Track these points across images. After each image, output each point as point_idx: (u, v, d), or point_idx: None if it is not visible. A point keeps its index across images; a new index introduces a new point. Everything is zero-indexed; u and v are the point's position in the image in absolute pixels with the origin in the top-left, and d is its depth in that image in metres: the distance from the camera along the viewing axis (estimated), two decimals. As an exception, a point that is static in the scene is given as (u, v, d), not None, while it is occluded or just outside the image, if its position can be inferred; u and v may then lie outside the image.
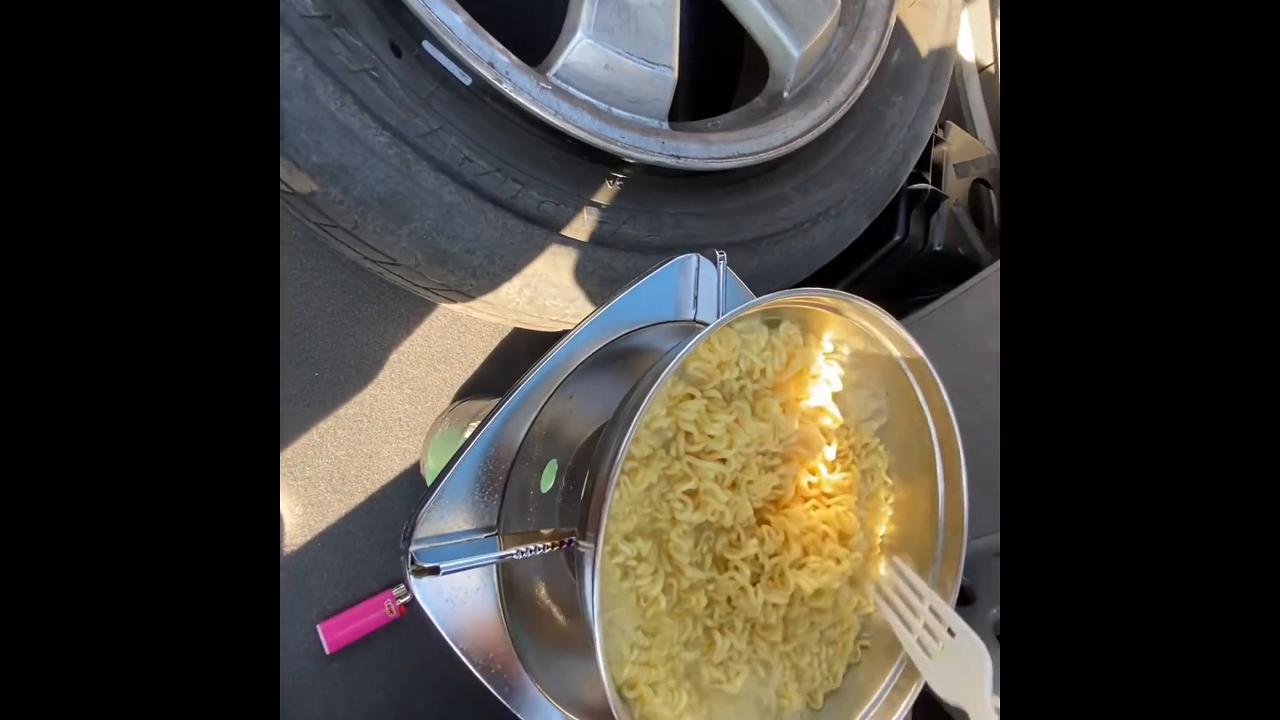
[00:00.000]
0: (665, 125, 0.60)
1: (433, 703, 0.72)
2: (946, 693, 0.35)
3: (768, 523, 0.36)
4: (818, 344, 0.40)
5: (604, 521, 0.28)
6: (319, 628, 0.67)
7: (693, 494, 0.34)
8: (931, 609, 0.36)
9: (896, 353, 0.39)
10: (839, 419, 0.40)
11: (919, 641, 0.36)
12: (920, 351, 0.38)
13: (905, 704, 0.40)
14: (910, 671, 0.40)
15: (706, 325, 0.43)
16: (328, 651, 0.67)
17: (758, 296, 0.47)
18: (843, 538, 0.37)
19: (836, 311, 0.38)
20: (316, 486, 0.69)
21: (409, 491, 0.73)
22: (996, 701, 0.32)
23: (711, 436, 0.34)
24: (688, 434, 0.34)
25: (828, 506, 0.38)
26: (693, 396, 0.35)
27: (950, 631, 0.35)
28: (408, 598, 0.69)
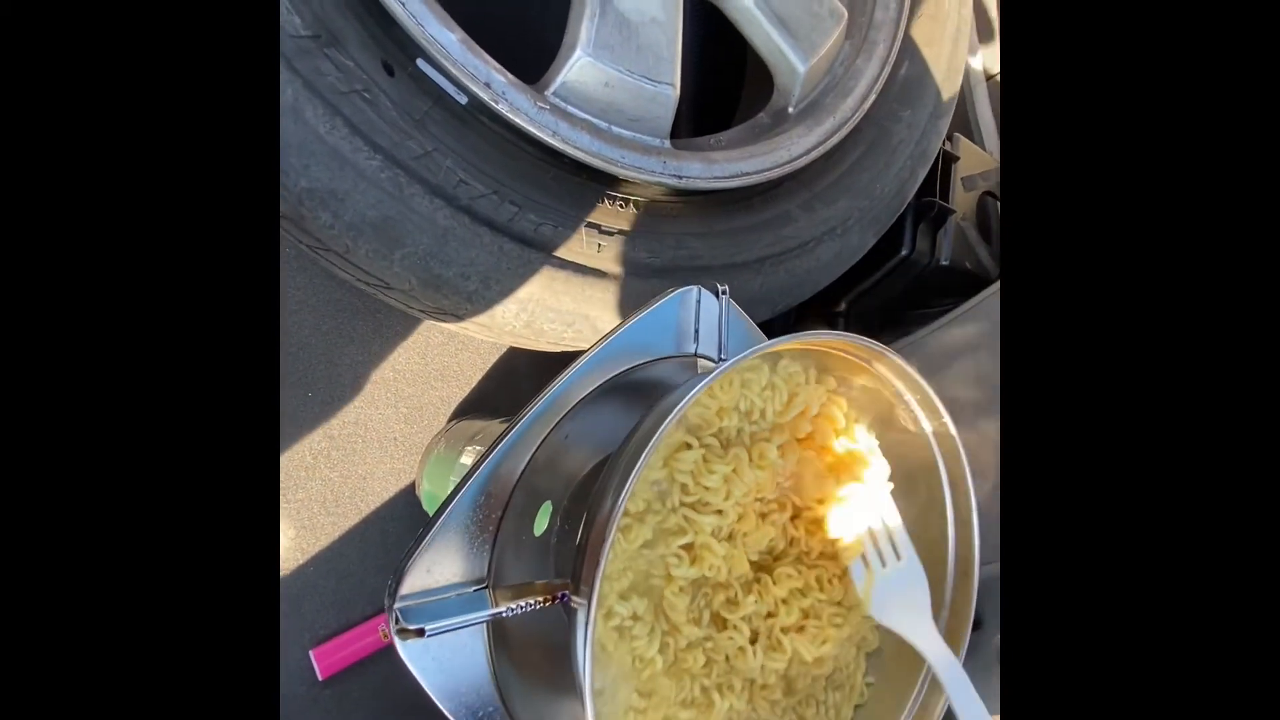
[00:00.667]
0: (667, 144, 0.58)
1: (427, 727, 0.71)
2: (883, 615, 0.35)
3: (759, 580, 0.35)
4: (819, 379, 0.38)
5: (597, 582, 0.27)
6: (311, 653, 0.66)
7: (688, 548, 0.33)
8: (886, 528, 0.36)
9: (900, 387, 0.38)
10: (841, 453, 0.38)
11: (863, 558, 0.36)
12: (923, 382, 0.37)
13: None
14: (926, 707, 0.39)
15: (708, 359, 0.42)
16: (320, 678, 0.66)
17: (759, 322, 0.46)
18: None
19: (839, 351, 0.36)
20: (309, 508, 0.68)
21: (404, 513, 0.71)
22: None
23: (708, 489, 0.33)
24: (683, 485, 0.33)
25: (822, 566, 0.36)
26: (689, 445, 0.33)
27: (897, 555, 0.36)
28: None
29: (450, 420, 0.74)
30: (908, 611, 0.35)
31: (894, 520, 0.37)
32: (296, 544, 0.67)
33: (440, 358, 0.74)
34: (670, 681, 0.32)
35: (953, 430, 0.37)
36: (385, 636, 0.68)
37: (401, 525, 0.71)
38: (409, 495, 0.72)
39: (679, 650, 0.32)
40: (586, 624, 0.25)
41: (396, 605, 0.30)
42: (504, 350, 0.77)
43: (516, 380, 0.77)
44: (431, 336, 0.74)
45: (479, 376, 0.76)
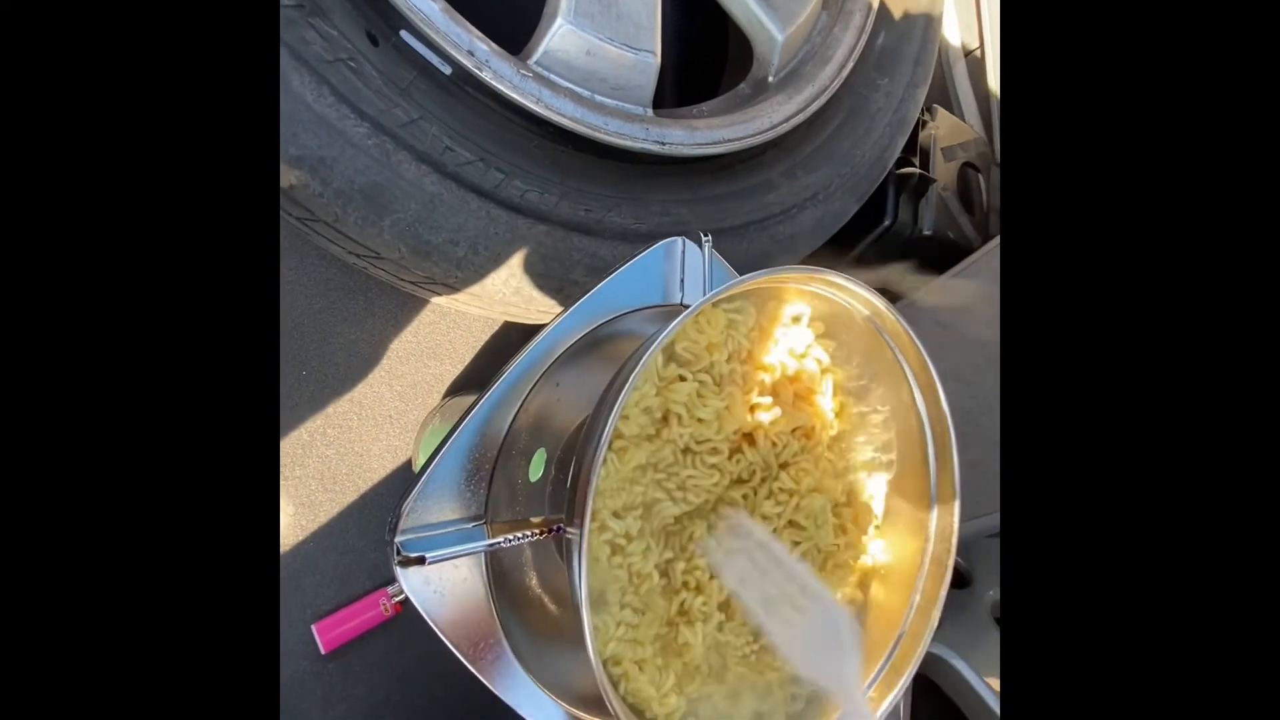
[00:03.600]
0: (649, 112, 0.59)
1: (431, 701, 0.72)
2: (810, 669, 0.30)
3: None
4: (809, 323, 0.40)
5: (589, 503, 0.28)
6: (313, 628, 0.67)
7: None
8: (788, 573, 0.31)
9: (881, 328, 0.39)
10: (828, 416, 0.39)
11: (772, 609, 0.31)
12: (904, 323, 0.38)
13: (902, 682, 0.40)
14: (913, 633, 0.39)
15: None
16: (323, 652, 0.67)
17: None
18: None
19: (819, 289, 0.37)
20: (308, 485, 0.69)
21: (400, 489, 0.72)
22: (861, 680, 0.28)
23: (701, 421, 0.34)
24: (678, 416, 0.34)
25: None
26: (683, 379, 0.34)
27: (808, 599, 0.30)
28: (402, 595, 0.68)
29: (445, 397, 0.75)
30: (830, 660, 0.30)
31: (790, 561, 0.32)
32: (296, 521, 0.68)
33: (433, 335, 0.75)
34: (664, 601, 0.33)
35: (926, 357, 0.38)
36: (386, 610, 0.69)
37: (399, 500, 0.72)
38: (405, 472, 0.73)
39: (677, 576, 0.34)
40: (583, 528, 0.26)
41: (398, 539, 0.31)
42: (496, 327, 0.78)
43: (509, 356, 0.78)
44: (424, 315, 0.74)
45: (472, 353, 0.77)
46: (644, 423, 0.33)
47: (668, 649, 0.33)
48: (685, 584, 0.33)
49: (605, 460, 0.30)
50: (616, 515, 0.32)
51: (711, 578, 0.34)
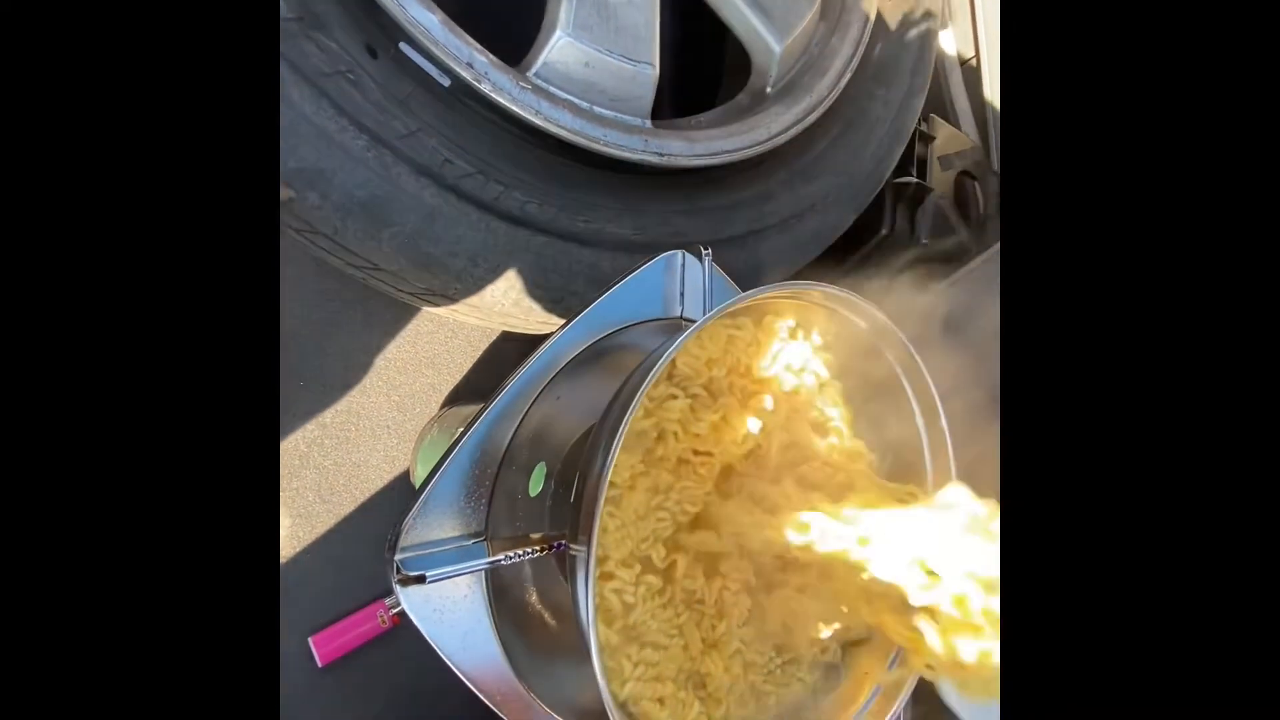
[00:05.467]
0: (648, 123, 0.60)
1: (429, 713, 0.71)
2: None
3: None
4: (805, 336, 0.39)
5: (596, 519, 0.28)
6: (310, 640, 0.66)
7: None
8: None
9: (880, 343, 0.39)
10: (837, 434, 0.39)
11: None
12: (903, 338, 0.38)
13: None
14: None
15: (693, 321, 0.43)
16: (320, 664, 0.66)
17: (744, 291, 0.47)
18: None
19: (820, 303, 0.37)
20: (305, 497, 0.68)
21: (399, 500, 0.72)
22: None
23: (698, 435, 0.34)
24: (674, 434, 0.34)
25: None
26: (675, 397, 0.34)
27: None
28: (400, 607, 0.68)
29: (442, 407, 0.75)
30: None
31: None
32: (293, 532, 0.68)
33: (431, 345, 0.75)
34: (695, 631, 0.33)
35: (926, 374, 0.38)
36: (384, 622, 0.69)
37: (397, 511, 0.71)
38: (404, 482, 0.73)
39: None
40: (589, 552, 0.25)
41: (397, 556, 0.31)
42: (494, 337, 0.78)
43: (506, 367, 0.77)
44: (422, 325, 0.74)
45: (470, 363, 0.77)
46: (634, 459, 0.33)
47: (692, 680, 0.33)
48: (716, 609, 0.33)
49: (603, 516, 0.30)
50: (624, 564, 0.31)
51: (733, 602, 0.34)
